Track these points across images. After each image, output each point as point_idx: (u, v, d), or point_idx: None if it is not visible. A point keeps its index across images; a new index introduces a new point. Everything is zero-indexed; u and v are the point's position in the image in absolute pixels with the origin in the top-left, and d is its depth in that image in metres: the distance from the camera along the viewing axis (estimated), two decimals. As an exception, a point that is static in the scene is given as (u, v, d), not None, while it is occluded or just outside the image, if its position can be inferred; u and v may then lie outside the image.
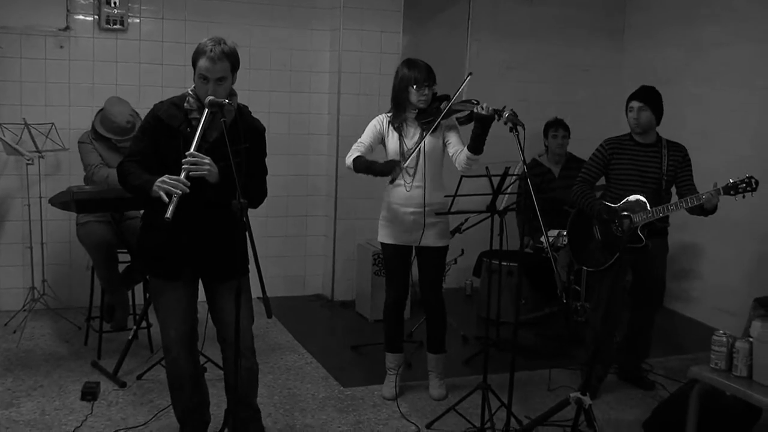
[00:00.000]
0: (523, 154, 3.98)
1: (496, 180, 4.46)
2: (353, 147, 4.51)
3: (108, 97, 5.48)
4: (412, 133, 4.53)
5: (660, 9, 7.25)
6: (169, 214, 3.20)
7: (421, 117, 4.48)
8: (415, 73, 4.44)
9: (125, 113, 5.28)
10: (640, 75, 7.26)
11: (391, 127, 4.56)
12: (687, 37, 6.91)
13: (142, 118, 5.27)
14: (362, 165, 4.38)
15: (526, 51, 7.45)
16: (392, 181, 4.40)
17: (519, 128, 4.04)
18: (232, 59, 3.45)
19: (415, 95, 4.45)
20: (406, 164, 4.39)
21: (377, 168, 4.33)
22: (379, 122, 4.59)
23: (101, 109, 5.38)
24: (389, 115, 4.59)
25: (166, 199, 3.24)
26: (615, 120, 7.06)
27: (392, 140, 4.55)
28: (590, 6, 7.61)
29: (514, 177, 4.56)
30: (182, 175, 3.28)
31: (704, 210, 4.51)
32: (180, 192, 3.24)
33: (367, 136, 4.55)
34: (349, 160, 4.44)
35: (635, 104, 4.77)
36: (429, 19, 7.13)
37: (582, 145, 6.80)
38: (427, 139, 4.45)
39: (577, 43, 7.60)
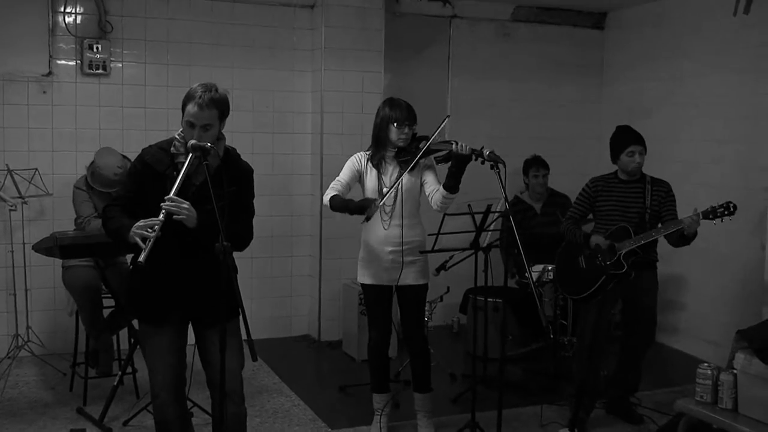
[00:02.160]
0: (504, 192, 4.04)
1: (478, 217, 4.51)
2: (330, 185, 4.55)
3: (98, 149, 5.46)
4: (391, 171, 4.58)
5: (638, 43, 7.39)
6: (142, 258, 3.22)
7: (400, 155, 4.54)
8: (396, 112, 4.51)
9: (113, 165, 5.24)
10: (619, 109, 7.40)
11: (369, 165, 4.61)
12: (665, 71, 7.03)
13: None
14: (338, 203, 4.41)
15: (506, 88, 7.56)
16: (367, 219, 4.39)
17: (500, 166, 4.11)
18: (220, 106, 3.48)
19: (395, 133, 4.51)
20: (382, 202, 4.42)
21: (353, 206, 4.36)
22: (357, 160, 4.64)
23: (92, 162, 5.38)
24: (368, 153, 4.65)
25: (141, 244, 3.26)
26: (595, 154, 7.17)
27: (371, 178, 4.59)
28: (568, 42, 7.74)
29: (496, 214, 4.61)
30: (160, 216, 3.29)
31: (685, 237, 4.58)
32: (152, 235, 3.25)
33: (344, 175, 4.60)
34: (326, 198, 4.48)
35: (636, 148, 4.84)
36: (410, 58, 7.24)
37: (562, 179, 6.89)
38: (405, 177, 4.50)
39: (555, 79, 7.72)
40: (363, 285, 4.71)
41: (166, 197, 3.32)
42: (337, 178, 4.58)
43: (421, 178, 4.59)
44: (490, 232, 5.01)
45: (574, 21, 7.75)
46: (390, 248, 4.54)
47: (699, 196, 5.74)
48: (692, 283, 6.77)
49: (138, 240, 3.28)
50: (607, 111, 7.73)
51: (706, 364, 3.71)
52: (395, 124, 4.49)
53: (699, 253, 5.23)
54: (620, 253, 4.72)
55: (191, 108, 3.42)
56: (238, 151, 3.73)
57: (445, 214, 4.48)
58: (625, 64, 7.58)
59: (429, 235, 4.57)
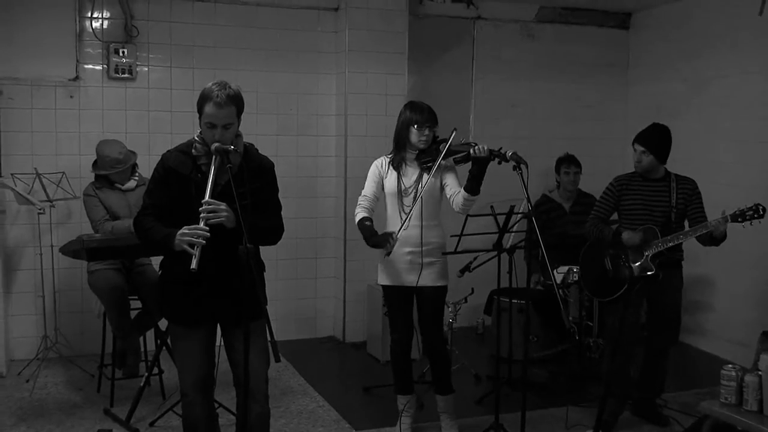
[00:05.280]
0: (527, 192, 4.04)
1: (501, 218, 4.51)
2: (359, 202, 4.61)
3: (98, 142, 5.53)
4: (411, 173, 4.61)
5: (663, 43, 7.35)
6: (194, 264, 3.27)
7: (421, 157, 4.58)
8: (416, 114, 4.55)
9: (115, 149, 5.33)
10: (645, 109, 7.36)
11: (390, 167, 4.64)
12: (690, 71, 7.00)
13: (135, 160, 5.42)
14: (363, 230, 4.49)
15: (530, 88, 7.55)
16: (388, 254, 4.46)
17: (522, 166, 4.11)
18: (237, 103, 3.51)
19: (415, 135, 4.54)
20: (399, 233, 4.42)
21: (370, 243, 4.45)
22: (378, 165, 4.68)
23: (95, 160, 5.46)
24: (389, 156, 4.68)
25: (190, 250, 3.30)
26: (621, 155, 7.14)
27: (390, 179, 4.63)
28: (593, 42, 7.72)
29: (519, 215, 4.62)
30: (201, 224, 3.34)
31: (714, 238, 4.56)
32: (203, 242, 3.30)
33: (368, 188, 4.65)
34: (356, 218, 4.56)
35: (637, 147, 4.87)
36: (434, 60, 7.25)
37: (590, 180, 6.87)
38: (425, 178, 4.53)
39: (580, 79, 7.70)
40: (383, 286, 4.74)
41: (203, 201, 3.35)
42: (363, 193, 4.63)
43: (441, 180, 4.61)
44: (513, 234, 5.01)
45: (599, 21, 7.72)
46: (408, 249, 4.56)
47: (724, 196, 5.69)
48: (718, 283, 6.72)
49: (186, 247, 3.32)
50: (633, 111, 7.69)
51: (730, 366, 3.69)
52: (416, 126, 4.53)
53: (725, 253, 5.18)
54: (647, 254, 4.70)
55: (210, 109, 3.44)
56: (256, 147, 3.76)
57: (467, 215, 4.49)
58: (650, 64, 7.54)
59: (452, 236, 4.58)
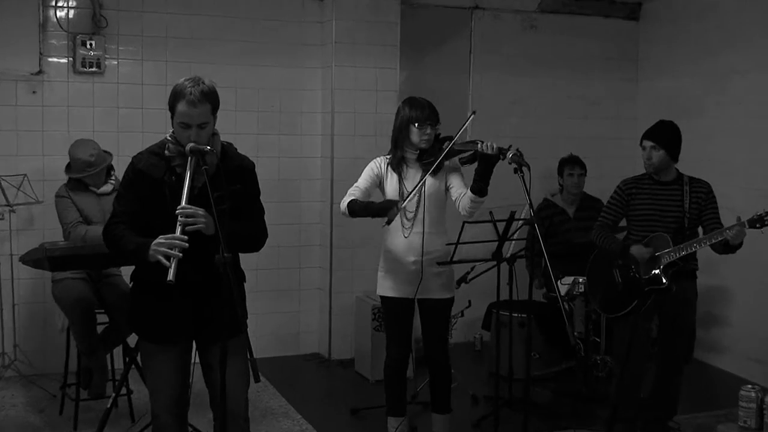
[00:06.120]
0: (528, 197, 4.04)
1: (501, 225, 4.51)
2: (348, 191, 4.57)
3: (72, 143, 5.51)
4: (413, 175, 4.59)
5: (675, 36, 7.37)
6: (171, 276, 3.24)
7: (423, 158, 4.55)
8: (416, 111, 4.53)
9: (86, 151, 5.31)
10: (655, 107, 7.38)
11: (390, 169, 4.63)
12: (705, 66, 7.02)
13: (112, 163, 5.41)
14: (358, 207, 4.42)
15: (532, 84, 7.57)
16: (388, 222, 4.39)
17: (524, 169, 4.11)
18: (212, 100, 3.48)
19: (416, 134, 4.53)
20: (405, 203, 4.41)
21: (374, 208, 4.39)
22: (377, 165, 4.67)
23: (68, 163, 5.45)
24: (388, 157, 4.67)
25: (166, 262, 3.28)
26: (631, 156, 7.14)
27: (391, 182, 4.61)
28: (600, 34, 7.74)
29: (520, 221, 4.62)
30: (177, 231, 3.32)
31: (729, 246, 4.57)
32: (179, 254, 3.28)
33: (363, 180, 4.62)
34: (343, 204, 4.49)
35: (646, 143, 4.87)
36: (428, 53, 7.25)
37: (595, 183, 6.88)
38: (428, 181, 4.51)
39: (586, 74, 7.72)
40: (382, 297, 4.73)
41: (179, 207, 3.34)
42: (355, 184, 4.61)
43: (446, 182, 4.60)
44: (514, 242, 5.01)
45: (606, 11, 7.74)
46: (412, 258, 4.56)
47: (739, 200, 5.71)
48: (736, 295, 6.73)
49: (161, 258, 3.30)
50: (642, 109, 7.72)
51: (749, 386, 3.69)
52: (416, 125, 4.51)
53: (742, 262, 5.20)
54: (659, 265, 4.69)
55: (183, 107, 3.41)
56: (235, 147, 3.75)
57: (464, 222, 4.48)
58: (662, 59, 7.56)
59: (447, 244, 4.58)
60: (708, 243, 4.60)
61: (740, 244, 4.57)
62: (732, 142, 6.72)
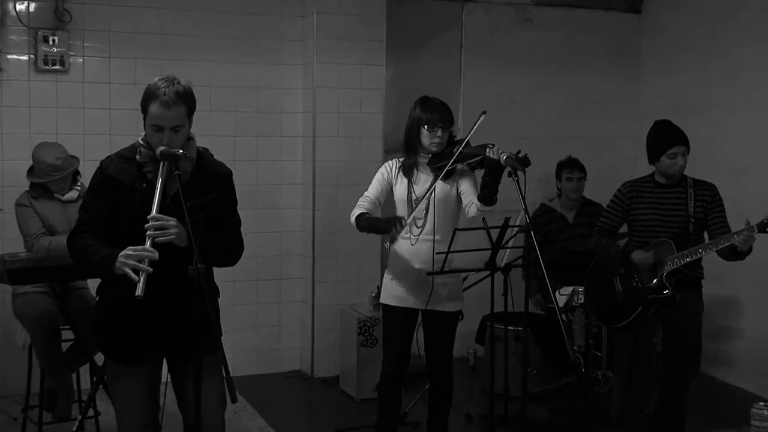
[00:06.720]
0: (524, 202, 4.02)
1: (494, 233, 4.49)
2: (357, 202, 4.65)
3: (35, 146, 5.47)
4: (423, 180, 4.62)
5: (680, 30, 7.39)
6: (140, 291, 3.20)
7: (435, 162, 4.57)
8: (427, 113, 4.57)
9: (53, 154, 5.28)
10: (659, 105, 7.39)
11: (400, 173, 4.66)
12: (712, 61, 7.03)
13: (77, 167, 5.37)
14: (365, 223, 4.53)
15: (527, 81, 7.57)
16: (391, 242, 4.47)
17: (519, 173, 4.10)
18: (188, 101, 3.47)
19: (427, 137, 4.56)
20: (410, 219, 4.46)
21: (378, 226, 4.50)
22: (387, 169, 4.71)
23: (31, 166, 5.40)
24: (401, 159, 4.68)
25: (134, 276, 3.24)
26: (632, 156, 7.15)
27: (400, 187, 4.66)
28: (599, 28, 7.76)
29: (515, 228, 4.60)
30: (147, 243, 3.28)
31: (738, 252, 4.56)
32: (149, 269, 3.24)
33: (373, 188, 4.70)
34: (352, 218, 4.59)
35: (679, 150, 4.80)
36: (416, 48, 7.24)
37: (595, 186, 6.87)
38: (439, 185, 4.51)
39: (585, 71, 7.73)
40: (385, 306, 4.75)
41: (149, 216, 3.30)
42: (365, 193, 4.69)
43: (457, 188, 4.60)
44: (509, 250, 4.99)
45: (606, 4, 7.76)
46: (418, 266, 4.56)
47: (748, 203, 5.71)
48: (744, 304, 6.74)
49: (128, 271, 3.26)
50: (646, 107, 7.72)
51: (762, 403, 3.66)
52: (426, 127, 4.55)
53: (751, 269, 5.20)
54: (662, 273, 4.69)
55: (156, 109, 3.40)
56: (211, 152, 3.73)
57: (455, 229, 4.47)
58: (665, 54, 7.57)
59: (437, 253, 4.56)
60: (714, 249, 4.59)
61: (749, 250, 4.56)
62: (740, 142, 6.74)
